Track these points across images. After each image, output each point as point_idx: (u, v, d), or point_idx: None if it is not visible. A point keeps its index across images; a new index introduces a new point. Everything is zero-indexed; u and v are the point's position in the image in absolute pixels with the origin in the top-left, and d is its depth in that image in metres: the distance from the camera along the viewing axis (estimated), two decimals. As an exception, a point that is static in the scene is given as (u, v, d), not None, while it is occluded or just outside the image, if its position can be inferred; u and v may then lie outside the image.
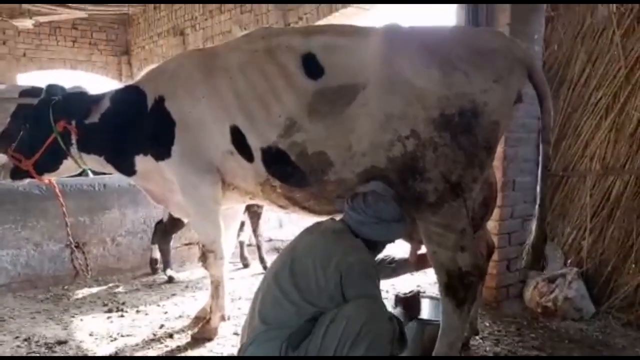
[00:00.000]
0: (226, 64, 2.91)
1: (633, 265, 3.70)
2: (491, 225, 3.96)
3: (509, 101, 2.51)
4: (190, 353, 3.22)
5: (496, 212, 3.93)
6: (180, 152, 3.07)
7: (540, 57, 4.15)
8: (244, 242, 5.08)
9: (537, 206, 2.67)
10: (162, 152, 3.12)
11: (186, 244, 5.24)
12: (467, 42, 2.51)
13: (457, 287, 2.53)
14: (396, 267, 2.97)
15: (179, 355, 3.19)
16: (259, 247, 4.96)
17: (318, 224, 2.50)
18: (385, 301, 2.34)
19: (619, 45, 3.76)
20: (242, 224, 4.94)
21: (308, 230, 2.47)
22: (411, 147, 2.44)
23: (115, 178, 4.71)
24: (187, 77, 3.04)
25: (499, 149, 3.87)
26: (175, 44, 9.98)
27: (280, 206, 3.04)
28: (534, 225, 2.66)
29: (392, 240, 2.49)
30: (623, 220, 3.75)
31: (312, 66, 2.64)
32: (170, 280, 4.63)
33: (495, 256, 3.97)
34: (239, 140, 2.86)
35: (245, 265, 5.10)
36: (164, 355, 3.20)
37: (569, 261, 4.06)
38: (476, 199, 2.66)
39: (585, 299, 3.75)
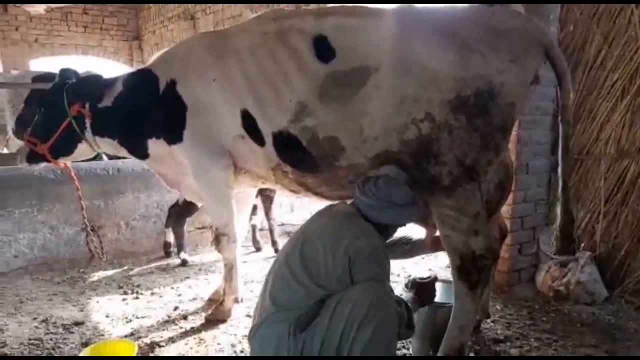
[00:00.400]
0: (237, 47, 2.89)
1: (647, 250, 3.67)
2: (504, 209, 3.94)
3: (526, 81, 2.47)
4: (204, 334, 3.26)
5: (509, 196, 3.92)
6: (192, 136, 3.08)
7: (555, 38, 4.10)
8: (256, 226, 5.11)
9: (559, 189, 2.64)
10: (174, 136, 3.13)
11: (199, 228, 5.28)
12: (482, 22, 2.46)
13: (471, 271, 2.52)
14: (411, 248, 2.96)
15: (193, 336, 3.25)
16: (271, 231, 4.99)
17: (330, 207, 2.51)
18: (395, 285, 2.34)
19: (636, 26, 3.68)
20: (255, 208, 4.97)
21: (320, 214, 2.48)
22: (426, 130, 2.41)
23: (129, 162, 4.76)
24: (198, 60, 3.03)
25: (513, 131, 3.86)
26: (186, 29, 9.96)
27: (292, 191, 3.04)
28: (559, 210, 2.64)
29: (403, 224, 2.47)
30: (637, 204, 3.71)
31: (323, 49, 2.61)
32: (184, 263, 4.68)
33: (507, 240, 3.95)
34: (249, 124, 2.85)
35: (258, 249, 5.14)
36: (178, 335, 3.26)
37: (582, 245, 4.04)
38: (491, 182, 2.64)
39: (598, 283, 3.74)
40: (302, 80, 2.65)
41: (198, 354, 3.02)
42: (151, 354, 3.01)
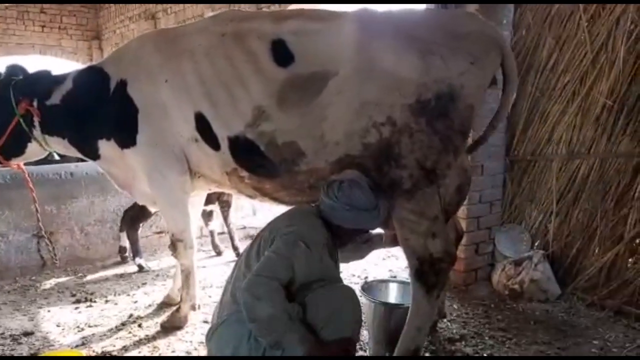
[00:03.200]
0: (191, 47, 2.82)
1: (597, 248, 3.78)
2: (460, 209, 4.00)
3: (485, 84, 2.52)
4: (159, 342, 3.19)
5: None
6: (146, 140, 3.00)
7: (508, 42, 4.18)
8: (214, 231, 5.04)
9: None
10: (126, 140, 3.04)
11: (157, 233, 5.18)
12: (442, 26, 2.49)
13: (428, 273, 2.53)
14: (370, 244, 2.94)
15: (147, 344, 3.17)
16: (231, 236, 4.93)
17: (294, 207, 2.51)
18: (355, 286, 2.37)
19: (585, 30, 3.79)
20: (212, 213, 4.91)
21: (282, 214, 2.46)
22: (387, 133, 2.41)
23: (83, 166, 4.64)
24: (150, 59, 2.95)
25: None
26: (147, 28, 9.76)
27: (249, 196, 2.99)
28: None
29: (365, 230, 2.46)
30: (588, 203, 3.82)
31: (281, 53, 2.58)
32: (140, 269, 4.58)
33: (464, 240, 4.01)
34: (204, 127, 2.79)
35: (218, 253, 5.07)
36: (132, 344, 3.18)
37: (535, 244, 4.13)
38: (450, 185, 2.66)
39: (551, 281, 3.83)
40: (259, 84, 2.61)
41: (152, 363, 2.96)
42: (103, 364, 2.93)
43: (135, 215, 4.58)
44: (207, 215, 4.98)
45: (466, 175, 2.79)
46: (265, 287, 2.05)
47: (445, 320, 3.43)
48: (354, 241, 2.61)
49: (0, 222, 4.33)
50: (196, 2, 8.19)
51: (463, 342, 3.17)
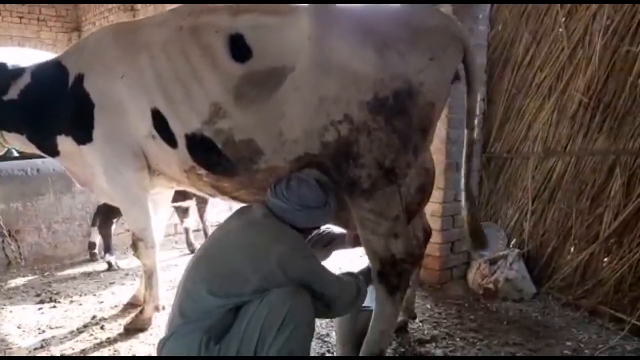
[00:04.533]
0: (148, 41, 2.71)
1: (572, 247, 3.73)
2: (435, 207, 3.95)
3: (446, 80, 2.43)
4: (121, 344, 3.09)
5: (439, 195, 3.92)
6: (102, 136, 2.89)
7: (485, 37, 4.12)
8: (189, 229, 4.93)
9: (463, 195, 2.62)
10: (82, 135, 2.94)
11: (128, 230, 5.05)
12: (402, 20, 2.39)
13: (390, 275, 2.46)
14: (331, 246, 2.83)
15: (108, 347, 3.07)
16: (205, 234, 4.83)
17: (242, 211, 2.38)
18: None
19: (562, 25, 3.72)
20: (187, 210, 4.80)
21: (233, 219, 2.35)
22: (345, 132, 2.32)
23: (50, 162, 4.48)
24: (106, 53, 2.84)
25: (442, 130, 3.86)
26: (126, 20, 9.57)
27: (209, 194, 2.90)
28: (464, 214, 2.62)
29: (317, 227, 2.39)
30: (563, 202, 3.76)
31: (239, 48, 2.47)
32: (110, 266, 4.46)
33: (438, 238, 3.97)
34: (161, 124, 2.69)
35: (192, 252, 4.96)
36: (92, 347, 3.07)
37: (511, 243, 4.08)
38: (412, 185, 2.59)
39: (526, 280, 3.78)
40: (216, 80, 2.50)
41: (111, 367, 2.86)
42: (60, 368, 2.82)
43: (109, 210, 4.42)
44: (182, 212, 4.88)
45: (428, 174, 2.72)
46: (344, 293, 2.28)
47: (417, 320, 3.36)
48: (315, 245, 2.54)
49: (-36, 220, 4.20)
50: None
51: (433, 344, 3.10)
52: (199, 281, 2.14)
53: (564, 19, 3.73)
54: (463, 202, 2.61)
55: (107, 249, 4.55)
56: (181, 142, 2.66)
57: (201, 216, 4.83)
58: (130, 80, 2.73)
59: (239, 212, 2.40)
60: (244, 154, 2.53)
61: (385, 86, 2.26)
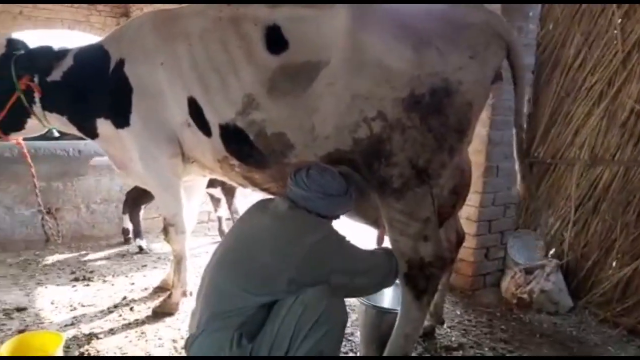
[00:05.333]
0: (188, 30, 2.71)
1: (615, 261, 3.55)
2: (470, 211, 3.84)
3: (486, 80, 2.32)
4: (148, 327, 3.14)
5: (476, 198, 3.80)
6: (139, 121, 2.92)
7: (534, 36, 3.95)
8: (222, 217, 4.97)
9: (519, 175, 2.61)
10: (121, 119, 2.97)
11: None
12: (441, 16, 2.31)
13: (418, 278, 2.39)
14: None
15: (135, 328, 3.12)
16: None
17: (264, 204, 2.34)
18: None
19: (617, 27, 3.53)
20: (220, 200, 4.84)
21: (255, 212, 2.31)
22: (377, 129, 2.26)
23: (91, 144, 4.58)
24: (147, 40, 2.85)
25: (483, 131, 3.73)
26: (175, 5, 9.69)
27: (240, 185, 2.89)
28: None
29: (338, 215, 2.35)
30: (608, 213, 3.58)
31: (275, 39, 2.44)
32: (141, 250, 4.55)
33: (473, 243, 3.86)
34: (196, 113, 2.69)
35: (224, 239, 4.99)
36: (120, 327, 3.13)
37: (550, 253, 3.92)
38: (445, 186, 2.50)
39: (563, 293, 3.63)
40: (250, 71, 2.48)
41: (137, 348, 2.89)
42: (87, 346, 2.88)
43: (137, 197, 4.52)
44: (216, 201, 4.92)
45: (463, 176, 2.61)
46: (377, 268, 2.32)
47: (445, 326, 3.28)
48: None
49: (6, 196, 4.36)
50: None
51: (460, 352, 3.01)
52: (228, 278, 2.12)
53: (620, 21, 3.53)
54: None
55: (137, 234, 4.64)
56: (215, 131, 2.66)
57: (229, 207, 4.84)
58: (169, 68, 2.75)
59: (261, 205, 2.34)
60: (275, 147, 2.50)
61: (421, 83, 2.18)
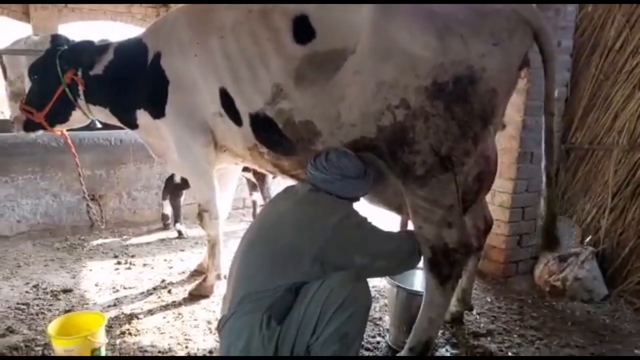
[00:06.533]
0: (220, 23, 2.79)
1: (653, 249, 3.46)
2: (504, 198, 3.81)
3: (511, 66, 2.30)
4: (184, 309, 3.28)
5: (509, 185, 3.77)
6: (174, 112, 3.04)
7: (573, 18, 3.84)
8: (256, 202, 5.08)
9: (543, 185, 2.50)
10: (157, 110, 3.09)
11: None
12: (465, 4, 2.29)
13: (442, 264, 2.42)
14: None
15: (172, 310, 3.27)
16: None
17: (287, 192, 2.42)
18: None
19: (660, 8, 3.40)
20: (256, 184, 4.94)
21: (279, 199, 2.40)
22: (401, 117, 2.29)
23: (131, 133, 4.74)
24: (182, 33, 2.95)
25: (518, 117, 3.68)
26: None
27: (270, 172, 2.98)
28: (542, 206, 2.51)
29: (357, 197, 2.41)
30: (647, 200, 3.48)
31: (302, 29, 2.48)
32: (180, 235, 4.72)
33: (505, 230, 3.84)
34: (228, 103, 2.79)
35: (259, 225, 5.10)
36: (158, 308, 3.28)
37: (586, 240, 3.84)
38: (470, 174, 2.49)
39: (598, 281, 3.56)
40: (278, 61, 2.55)
41: (173, 328, 3.04)
42: (128, 325, 3.04)
43: (177, 184, 4.68)
44: (251, 186, 5.03)
45: (488, 163, 2.59)
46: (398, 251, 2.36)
47: (474, 312, 3.28)
48: None
49: (54, 183, 4.59)
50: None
51: (489, 338, 3.02)
52: (256, 261, 2.20)
53: (663, 0, 3.39)
54: (543, 199, 2.50)
55: (177, 218, 4.82)
56: (246, 120, 2.75)
57: (262, 191, 4.92)
58: (202, 60, 2.84)
59: (284, 193, 2.44)
60: (302, 135, 2.57)
61: (445, 71, 2.18)
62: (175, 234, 4.78)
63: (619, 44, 3.67)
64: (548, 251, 3.03)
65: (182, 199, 4.84)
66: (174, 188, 4.74)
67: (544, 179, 2.48)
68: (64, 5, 10.67)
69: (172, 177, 4.75)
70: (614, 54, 3.71)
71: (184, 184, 4.65)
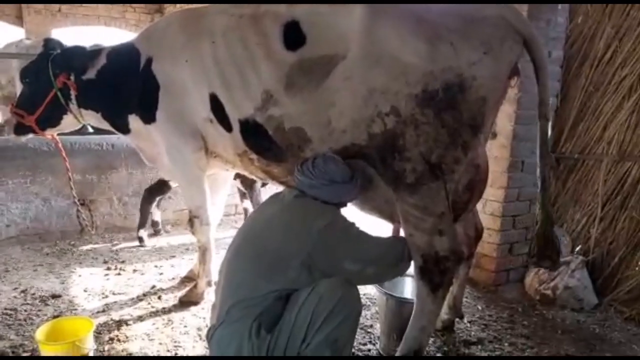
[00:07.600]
0: (211, 28, 2.80)
1: (642, 258, 3.49)
2: (495, 206, 3.82)
3: (501, 75, 2.31)
4: (174, 315, 3.26)
5: (500, 193, 3.78)
6: (165, 117, 3.03)
7: (563, 29, 3.88)
8: (247, 209, 5.06)
9: (539, 191, 2.51)
10: (148, 115, 3.09)
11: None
12: (456, 10, 2.31)
13: (433, 272, 2.42)
14: None
15: (162, 316, 3.24)
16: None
17: (273, 199, 2.42)
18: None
19: (649, 20, 3.45)
20: (246, 192, 4.92)
21: (266, 207, 2.41)
22: (391, 124, 2.30)
23: (124, 138, 4.73)
24: (173, 38, 2.96)
25: (509, 126, 3.71)
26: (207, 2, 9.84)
27: (260, 178, 2.98)
28: (538, 214, 2.53)
29: (344, 203, 2.41)
30: (636, 209, 3.51)
31: (293, 35, 2.49)
32: (141, 242, 4.63)
33: (497, 239, 3.85)
34: (218, 109, 2.79)
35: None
36: (148, 314, 3.26)
37: (576, 249, 3.87)
38: (460, 182, 2.50)
39: (588, 290, 3.58)
40: (268, 68, 2.55)
41: (163, 335, 3.01)
42: (117, 332, 3.02)
43: (153, 189, 4.61)
44: (242, 194, 5.01)
45: (479, 172, 2.61)
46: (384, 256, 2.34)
47: (465, 321, 3.29)
48: None
49: (44, 188, 4.56)
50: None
51: (479, 346, 3.02)
52: (243, 268, 2.19)
53: (652, 13, 3.44)
54: (539, 206, 2.51)
55: (142, 225, 4.67)
56: (236, 126, 2.75)
57: (251, 199, 4.90)
58: (193, 66, 2.84)
59: (271, 199, 2.45)
60: (292, 141, 2.57)
61: (435, 79, 2.20)
62: (165, 241, 4.75)
63: (609, 55, 3.71)
64: (544, 266, 2.96)
65: (153, 205, 4.75)
66: (149, 192, 4.64)
67: (539, 184, 2.49)
68: (57, 10, 10.65)
69: (152, 185, 4.68)
70: (603, 65, 3.75)
71: (160, 190, 4.57)
